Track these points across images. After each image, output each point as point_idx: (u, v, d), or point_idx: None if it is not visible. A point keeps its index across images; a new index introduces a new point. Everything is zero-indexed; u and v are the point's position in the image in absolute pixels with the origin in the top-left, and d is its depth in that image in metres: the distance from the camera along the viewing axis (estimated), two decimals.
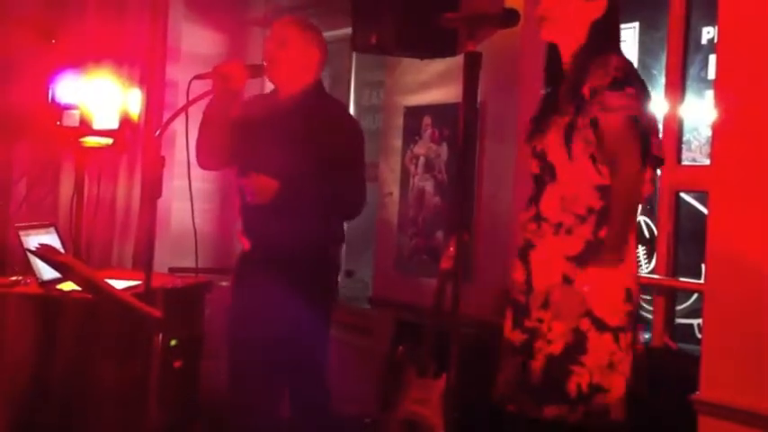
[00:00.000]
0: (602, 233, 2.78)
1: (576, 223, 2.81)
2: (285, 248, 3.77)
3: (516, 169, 4.45)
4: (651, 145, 2.77)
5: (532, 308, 2.86)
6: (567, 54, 2.94)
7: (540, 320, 2.83)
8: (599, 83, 2.78)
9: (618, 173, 2.75)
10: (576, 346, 2.78)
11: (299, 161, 3.73)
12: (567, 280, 2.80)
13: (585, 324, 2.77)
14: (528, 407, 2.86)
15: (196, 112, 3.72)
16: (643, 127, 2.76)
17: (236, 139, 3.86)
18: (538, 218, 2.88)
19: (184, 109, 3.45)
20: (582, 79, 2.82)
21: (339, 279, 4.20)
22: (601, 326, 2.77)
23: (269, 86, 4.15)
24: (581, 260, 2.78)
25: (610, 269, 2.74)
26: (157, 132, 3.39)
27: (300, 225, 3.75)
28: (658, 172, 3.26)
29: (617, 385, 2.78)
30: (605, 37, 2.91)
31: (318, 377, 3.96)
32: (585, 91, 2.79)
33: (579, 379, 2.77)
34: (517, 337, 2.90)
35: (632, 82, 2.79)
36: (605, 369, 2.77)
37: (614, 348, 2.77)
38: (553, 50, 3.00)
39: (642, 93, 2.80)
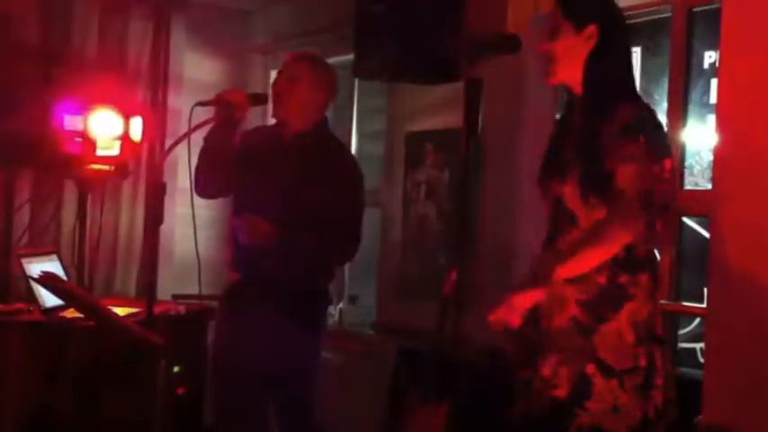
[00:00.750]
0: (619, 279, 2.73)
1: (592, 270, 2.74)
2: (274, 282, 3.77)
3: (518, 195, 4.45)
4: (654, 195, 2.70)
5: (545, 348, 2.82)
6: (574, 93, 2.90)
7: (550, 363, 2.79)
8: (609, 130, 2.72)
9: (609, 217, 2.70)
10: (582, 391, 2.73)
11: (296, 205, 3.74)
12: (577, 323, 2.75)
13: (591, 368, 2.73)
14: None
15: (198, 140, 3.73)
16: (648, 178, 2.69)
17: (235, 170, 3.86)
18: (555, 257, 2.82)
19: (187, 135, 3.46)
20: (593, 129, 2.77)
21: (339, 307, 4.21)
22: (607, 370, 2.72)
23: (269, 117, 4.17)
24: (592, 305, 2.74)
25: (619, 313, 2.72)
26: (158, 158, 3.41)
27: (290, 262, 3.75)
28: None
29: (619, 427, 2.74)
30: (605, 69, 2.83)
31: (307, 408, 3.95)
32: (600, 141, 2.74)
33: (581, 420, 2.73)
34: (526, 374, 2.87)
35: (642, 129, 2.72)
36: (609, 413, 2.72)
37: (619, 393, 2.72)
38: (566, 88, 2.96)
39: (653, 140, 2.72)
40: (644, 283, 2.76)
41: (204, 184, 3.89)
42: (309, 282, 3.88)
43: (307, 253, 3.78)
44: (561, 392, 2.75)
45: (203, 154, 3.84)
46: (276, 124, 4.00)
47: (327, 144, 3.99)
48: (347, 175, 3.93)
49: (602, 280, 2.74)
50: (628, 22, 2.98)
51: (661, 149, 2.74)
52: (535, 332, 2.84)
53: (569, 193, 2.79)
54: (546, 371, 2.79)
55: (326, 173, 3.83)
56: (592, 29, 2.82)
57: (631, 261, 2.74)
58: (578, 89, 2.88)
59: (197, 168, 3.86)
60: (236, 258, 3.94)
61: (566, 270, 2.72)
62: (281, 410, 3.96)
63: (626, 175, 2.68)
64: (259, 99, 3.91)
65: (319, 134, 3.94)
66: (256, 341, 3.78)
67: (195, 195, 3.81)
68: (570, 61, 2.85)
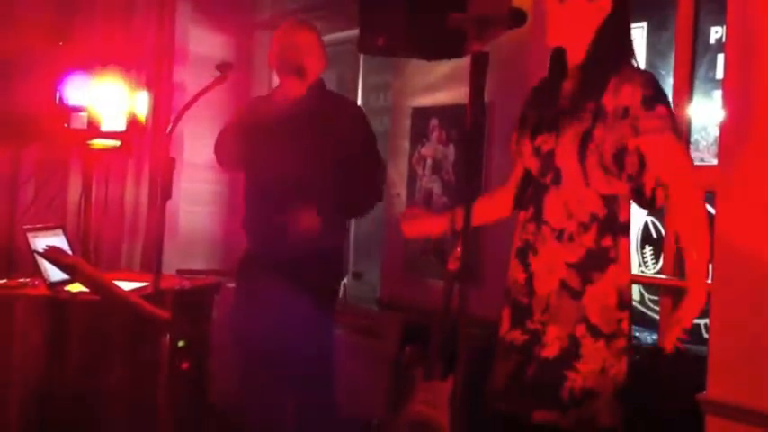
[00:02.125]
0: (604, 242, 2.78)
1: (579, 231, 2.79)
2: (291, 248, 3.80)
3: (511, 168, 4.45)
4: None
5: (535, 311, 2.85)
6: (574, 57, 2.90)
7: (541, 323, 2.83)
8: (629, 102, 2.74)
9: (684, 197, 2.77)
10: (571, 352, 2.78)
11: (315, 164, 3.79)
12: (566, 286, 2.79)
13: (581, 330, 2.77)
14: (520, 409, 2.86)
15: (201, 110, 3.76)
16: (680, 141, 2.79)
17: (248, 143, 3.90)
18: (538, 220, 2.86)
19: (192, 103, 3.46)
20: (600, 89, 2.78)
21: (346, 281, 4.24)
22: (596, 333, 2.77)
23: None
24: (581, 267, 2.78)
25: (605, 274, 2.75)
26: (168, 129, 3.42)
27: (308, 226, 3.79)
28: None
29: (607, 390, 2.77)
30: (613, 40, 2.85)
31: (325, 380, 3.98)
32: (608, 104, 2.75)
33: (572, 384, 2.77)
34: (517, 336, 2.89)
35: (660, 98, 2.77)
36: (597, 374, 2.76)
37: (606, 354, 2.77)
38: (558, 51, 2.97)
39: (670, 107, 2.79)
40: (624, 248, 2.81)
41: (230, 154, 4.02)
42: (327, 250, 3.99)
43: (323, 209, 3.85)
44: (551, 352, 2.79)
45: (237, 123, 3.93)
46: (275, 92, 4.05)
47: (330, 97, 4.16)
48: (354, 120, 4.07)
49: (588, 242, 2.78)
50: None
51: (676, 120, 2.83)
52: (526, 296, 2.86)
53: (565, 147, 2.80)
54: (536, 332, 2.82)
55: (336, 123, 3.95)
56: (606, 1, 2.85)
57: (615, 224, 2.80)
58: (574, 51, 2.89)
59: (225, 140, 3.94)
60: (251, 225, 3.98)
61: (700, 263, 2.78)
62: (298, 381, 3.99)
63: (662, 147, 2.75)
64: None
65: (322, 90, 4.08)
66: (274, 313, 3.82)
67: (202, 170, 3.88)
68: (576, 26, 2.87)
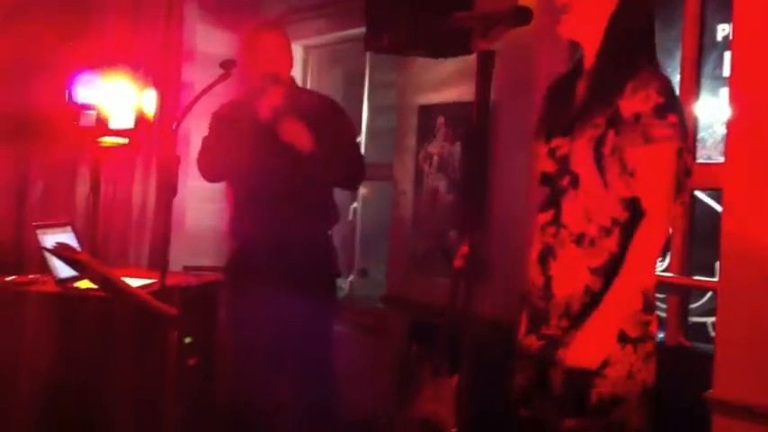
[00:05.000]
0: (628, 245, 2.71)
1: (601, 235, 2.73)
2: (283, 246, 3.85)
3: (531, 169, 4.45)
4: (688, 170, 2.72)
5: (552, 315, 2.80)
6: (590, 53, 2.85)
7: (562, 329, 2.79)
8: (641, 108, 2.67)
9: (648, 216, 2.68)
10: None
11: (303, 161, 3.84)
12: (590, 291, 2.74)
13: None
14: (547, 416, 2.84)
15: (208, 107, 3.79)
16: (684, 157, 2.70)
17: (234, 152, 3.96)
18: (557, 223, 2.81)
19: (197, 100, 3.48)
20: (615, 92, 2.71)
21: (349, 280, 4.27)
22: (623, 338, 2.71)
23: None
24: (604, 272, 2.72)
25: (632, 279, 2.71)
26: (174, 126, 3.44)
27: (297, 213, 3.85)
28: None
29: (635, 394, 2.73)
30: (625, 39, 2.78)
31: (324, 377, 4.00)
32: (624, 110, 2.69)
33: (601, 390, 2.72)
34: (533, 342, 2.85)
35: (674, 107, 2.69)
36: (625, 380, 2.72)
37: (634, 359, 2.72)
38: (577, 48, 2.91)
39: (682, 117, 2.71)
40: None
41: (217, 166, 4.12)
42: (322, 243, 4.07)
43: (312, 194, 3.99)
44: (577, 359, 2.74)
45: (220, 135, 3.98)
46: (249, 94, 4.11)
47: (301, 92, 4.32)
48: (327, 111, 4.19)
49: (612, 246, 2.72)
50: None
51: (685, 123, 2.74)
52: (543, 300, 2.83)
53: (580, 152, 2.74)
54: (553, 337, 2.79)
55: (311, 120, 4.00)
56: None
57: (634, 228, 2.71)
58: (589, 48, 2.83)
59: (210, 153, 3.99)
60: (236, 223, 4.02)
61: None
62: (297, 375, 4.01)
63: (662, 158, 2.67)
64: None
65: (292, 92, 4.19)
66: (266, 309, 3.84)
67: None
68: (586, 17, 2.80)
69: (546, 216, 2.84)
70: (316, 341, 3.99)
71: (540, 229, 2.87)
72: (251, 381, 3.98)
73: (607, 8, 2.79)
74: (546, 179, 2.88)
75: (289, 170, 3.90)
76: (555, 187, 2.84)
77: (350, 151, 4.13)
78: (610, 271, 2.72)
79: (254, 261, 3.96)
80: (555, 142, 2.82)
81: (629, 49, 2.77)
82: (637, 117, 2.68)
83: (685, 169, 2.71)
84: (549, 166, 2.85)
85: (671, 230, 2.86)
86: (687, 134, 2.75)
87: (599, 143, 2.71)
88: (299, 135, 3.90)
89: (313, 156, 3.89)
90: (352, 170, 4.15)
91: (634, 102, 2.68)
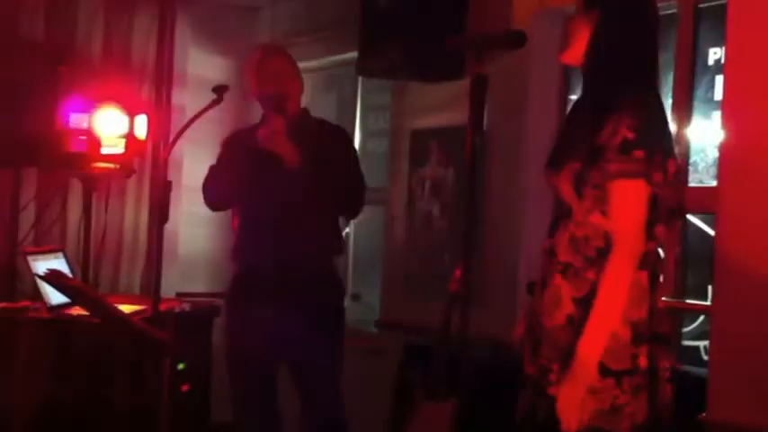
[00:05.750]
0: None
1: (585, 266, 2.69)
2: (288, 268, 3.81)
3: (524, 192, 4.46)
4: (661, 204, 2.66)
5: (544, 344, 2.78)
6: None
7: (548, 359, 2.77)
8: (607, 143, 2.62)
9: (612, 252, 2.63)
10: None
11: (308, 189, 3.80)
12: (572, 322, 2.71)
13: None
14: None
15: (198, 133, 3.77)
16: (652, 189, 2.63)
17: (241, 180, 3.92)
18: (551, 252, 2.79)
19: (188, 125, 3.48)
20: (596, 125, 2.67)
21: (345, 303, 4.23)
22: (602, 370, 2.67)
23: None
24: (586, 302, 2.68)
25: (609, 311, 2.70)
26: (166, 151, 3.44)
27: (302, 240, 3.81)
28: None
29: (620, 427, 2.69)
30: (601, 62, 2.73)
31: (331, 400, 3.98)
32: (597, 144, 2.65)
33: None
34: (532, 371, 2.84)
35: (644, 143, 2.60)
36: (607, 413, 2.66)
37: (617, 393, 2.66)
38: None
39: (655, 152, 2.62)
40: (638, 281, 2.68)
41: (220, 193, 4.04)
42: (325, 266, 4.01)
43: (315, 217, 3.89)
44: (556, 390, 2.73)
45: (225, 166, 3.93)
46: (257, 126, 4.03)
47: (312, 120, 4.16)
48: (334, 139, 4.09)
49: (592, 276, 2.68)
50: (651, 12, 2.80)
51: (663, 154, 2.65)
52: (536, 331, 2.83)
53: (564, 185, 2.73)
54: (543, 367, 2.78)
55: (320, 143, 3.93)
56: (596, 13, 2.72)
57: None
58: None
59: (216, 182, 3.95)
60: (240, 249, 3.98)
61: (590, 339, 2.64)
62: (306, 400, 3.99)
63: (624, 196, 2.62)
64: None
65: (305, 115, 4.11)
66: (266, 334, 3.81)
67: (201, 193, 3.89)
68: (576, 42, 2.76)
69: (545, 245, 2.84)
70: (321, 370, 3.96)
71: (541, 257, 2.86)
72: (251, 410, 3.95)
73: (586, 29, 2.74)
74: (555, 209, 2.87)
75: (290, 196, 3.85)
76: (556, 217, 2.83)
77: (351, 180, 4.01)
78: (590, 302, 2.69)
79: (255, 287, 3.92)
80: (551, 174, 2.82)
81: (610, 72, 2.72)
82: (603, 152, 2.63)
83: (651, 205, 2.64)
84: (554, 196, 2.84)
85: (662, 253, 2.80)
86: (664, 160, 2.64)
87: (578, 177, 2.70)
88: (284, 147, 3.82)
89: (311, 180, 3.83)
90: (353, 199, 4.05)
91: (603, 136, 2.64)
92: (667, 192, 2.67)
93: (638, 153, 2.59)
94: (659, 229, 2.69)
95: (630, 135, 2.59)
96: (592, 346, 2.64)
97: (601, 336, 2.63)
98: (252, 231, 3.94)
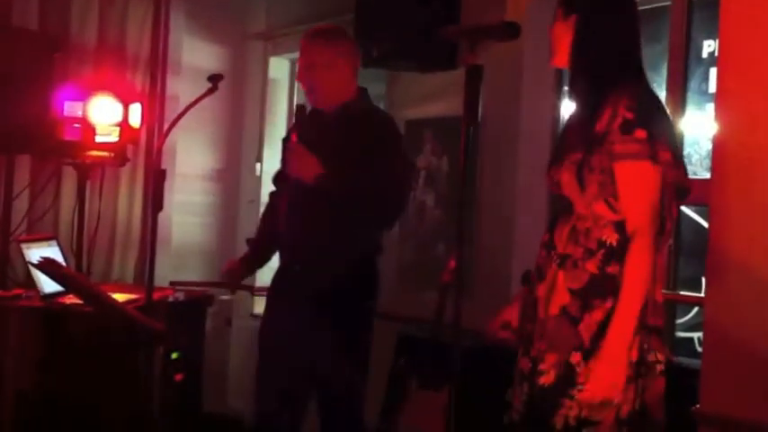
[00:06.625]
0: (610, 269, 2.70)
1: (585, 257, 2.73)
2: (324, 263, 3.69)
3: (517, 182, 4.46)
4: (669, 181, 2.69)
5: (535, 337, 2.81)
6: None
7: (540, 350, 2.79)
8: (608, 127, 2.68)
9: (631, 237, 2.66)
10: (567, 379, 2.71)
11: (320, 193, 3.65)
12: (566, 312, 2.73)
13: (576, 358, 2.71)
14: None
15: (194, 120, 3.74)
16: (661, 169, 2.67)
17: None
18: (549, 245, 2.82)
19: (183, 114, 3.47)
20: (590, 114, 2.74)
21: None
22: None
23: None
24: (583, 293, 2.72)
25: (635, 300, 2.69)
26: (159, 140, 3.42)
27: (339, 236, 3.67)
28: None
29: (606, 419, 2.70)
30: (589, 62, 2.80)
31: (353, 402, 3.86)
32: (597, 130, 2.70)
33: (567, 412, 2.70)
34: (526, 364, 2.86)
35: (645, 122, 2.66)
36: (595, 404, 2.68)
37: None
38: None
39: (656, 132, 2.67)
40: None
41: None
42: (361, 264, 3.77)
43: (350, 216, 3.66)
44: (548, 379, 2.75)
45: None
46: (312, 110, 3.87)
47: (366, 111, 3.86)
48: (377, 138, 3.73)
49: (592, 268, 2.72)
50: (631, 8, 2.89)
51: (665, 135, 2.71)
52: (531, 322, 2.84)
53: (566, 178, 2.77)
54: (536, 359, 2.79)
55: (364, 135, 3.69)
56: (574, 18, 2.82)
57: (625, 252, 2.69)
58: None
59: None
60: (284, 240, 3.86)
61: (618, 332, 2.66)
62: (324, 408, 3.88)
63: (632, 179, 2.66)
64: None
65: (357, 104, 3.83)
66: (300, 331, 3.70)
67: (194, 180, 3.86)
68: (561, 47, 2.86)
69: (544, 238, 2.86)
70: (347, 364, 3.84)
71: (539, 251, 2.88)
72: (271, 406, 3.85)
73: (567, 34, 2.84)
74: (555, 206, 2.90)
75: (308, 207, 3.68)
76: (556, 211, 2.86)
77: (382, 187, 3.63)
78: (587, 293, 2.71)
79: (286, 283, 3.82)
80: (552, 171, 2.86)
81: (596, 68, 2.80)
82: (604, 136, 2.68)
83: (660, 186, 2.68)
84: (555, 191, 2.87)
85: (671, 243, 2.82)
86: (669, 148, 2.70)
87: (579, 167, 2.73)
88: (301, 168, 3.61)
89: (329, 193, 3.61)
90: (381, 207, 3.68)
91: (603, 121, 2.70)
92: (674, 173, 2.71)
93: (640, 133, 2.65)
94: (672, 211, 2.76)
95: (630, 115, 2.66)
96: (621, 339, 2.64)
97: (629, 326, 2.64)
98: (282, 236, 3.85)
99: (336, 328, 3.66)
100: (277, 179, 3.96)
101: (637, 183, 2.67)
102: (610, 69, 2.79)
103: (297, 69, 3.93)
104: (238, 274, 3.95)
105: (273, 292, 3.91)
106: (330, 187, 3.59)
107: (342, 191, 3.61)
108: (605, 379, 2.64)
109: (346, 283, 3.68)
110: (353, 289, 3.72)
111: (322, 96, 3.79)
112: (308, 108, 3.89)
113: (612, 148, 2.66)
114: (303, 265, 3.76)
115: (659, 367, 2.75)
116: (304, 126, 3.76)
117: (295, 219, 3.76)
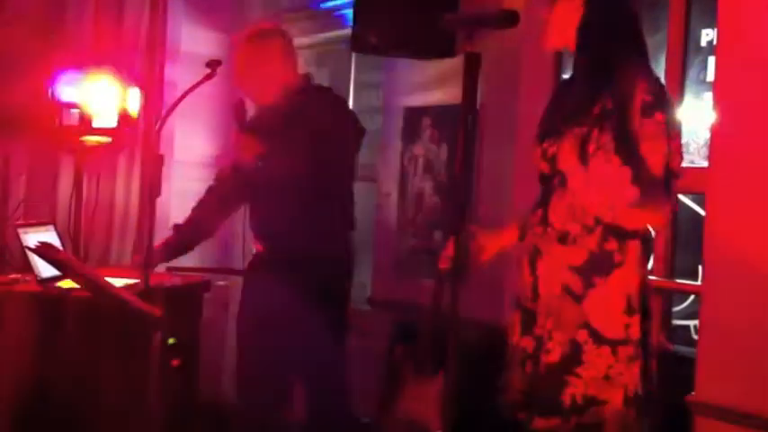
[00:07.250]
0: (608, 245, 2.74)
1: (583, 233, 2.76)
2: (298, 247, 3.80)
3: (516, 170, 4.46)
4: (674, 170, 2.73)
5: (540, 315, 2.83)
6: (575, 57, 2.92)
7: (547, 330, 2.80)
8: (625, 105, 2.70)
9: (641, 201, 2.70)
10: (573, 357, 2.74)
11: (294, 159, 3.73)
12: (568, 290, 2.77)
13: (583, 335, 2.74)
14: (527, 417, 2.85)
15: (192, 105, 3.76)
16: (669, 155, 2.72)
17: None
18: (544, 222, 2.84)
19: (181, 100, 3.47)
20: (599, 90, 2.76)
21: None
22: (598, 338, 2.73)
23: None
24: (583, 271, 2.75)
25: (609, 279, 2.72)
26: (157, 126, 3.43)
27: (305, 216, 3.78)
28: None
29: (614, 398, 2.73)
30: (598, 40, 2.83)
31: (335, 382, 3.96)
32: (610, 106, 2.73)
33: (574, 390, 2.74)
34: (528, 343, 2.87)
35: (662, 105, 2.72)
36: (601, 382, 2.72)
37: (611, 361, 2.73)
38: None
39: (668, 114, 2.73)
40: (633, 252, 2.76)
41: None
42: (336, 243, 3.96)
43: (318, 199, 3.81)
44: (553, 357, 2.76)
45: None
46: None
47: (309, 96, 3.99)
48: (316, 116, 3.86)
49: (591, 244, 2.75)
50: None
51: (675, 122, 2.77)
52: (531, 301, 2.85)
53: (566, 150, 2.78)
54: (541, 338, 2.80)
55: (300, 125, 3.80)
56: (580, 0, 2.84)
57: (622, 228, 2.74)
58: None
59: None
60: (257, 226, 3.99)
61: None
62: (309, 383, 3.98)
63: (655, 157, 2.68)
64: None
65: (299, 92, 3.96)
66: (276, 313, 3.80)
67: (193, 167, 3.89)
68: (564, 28, 2.88)
69: (536, 216, 2.87)
70: (327, 348, 3.93)
71: (531, 230, 2.89)
72: (253, 381, 3.94)
73: (572, 15, 2.87)
74: (542, 180, 2.91)
75: (260, 186, 3.85)
76: (546, 188, 2.86)
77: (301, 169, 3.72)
78: (588, 270, 2.73)
79: (268, 265, 3.92)
80: (546, 143, 2.86)
81: (605, 46, 2.82)
82: (622, 113, 2.70)
83: (672, 167, 2.72)
84: (544, 168, 2.88)
85: (653, 232, 2.85)
86: (674, 134, 2.74)
87: (584, 141, 2.73)
88: (242, 152, 3.78)
89: (273, 173, 3.76)
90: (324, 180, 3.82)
91: (615, 99, 2.72)
92: (678, 158, 2.75)
93: (659, 116, 2.69)
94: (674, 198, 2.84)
95: (648, 98, 2.70)
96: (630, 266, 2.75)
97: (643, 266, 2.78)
98: (252, 223, 3.97)
99: (311, 307, 3.77)
100: (231, 174, 4.06)
101: (661, 161, 2.69)
102: (620, 48, 2.81)
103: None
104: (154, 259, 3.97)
105: (247, 277, 4.05)
106: (274, 165, 3.71)
107: (282, 168, 3.72)
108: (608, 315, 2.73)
109: (318, 261, 3.82)
110: (326, 265, 3.86)
111: (255, 96, 4.01)
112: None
113: (631, 127, 2.68)
114: (274, 248, 3.90)
115: (653, 349, 2.80)
116: (252, 120, 3.96)
117: (260, 204, 3.93)
